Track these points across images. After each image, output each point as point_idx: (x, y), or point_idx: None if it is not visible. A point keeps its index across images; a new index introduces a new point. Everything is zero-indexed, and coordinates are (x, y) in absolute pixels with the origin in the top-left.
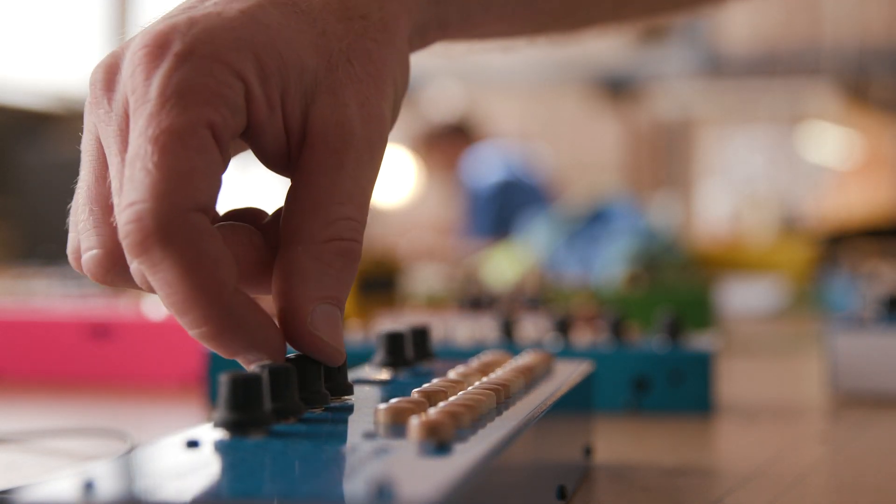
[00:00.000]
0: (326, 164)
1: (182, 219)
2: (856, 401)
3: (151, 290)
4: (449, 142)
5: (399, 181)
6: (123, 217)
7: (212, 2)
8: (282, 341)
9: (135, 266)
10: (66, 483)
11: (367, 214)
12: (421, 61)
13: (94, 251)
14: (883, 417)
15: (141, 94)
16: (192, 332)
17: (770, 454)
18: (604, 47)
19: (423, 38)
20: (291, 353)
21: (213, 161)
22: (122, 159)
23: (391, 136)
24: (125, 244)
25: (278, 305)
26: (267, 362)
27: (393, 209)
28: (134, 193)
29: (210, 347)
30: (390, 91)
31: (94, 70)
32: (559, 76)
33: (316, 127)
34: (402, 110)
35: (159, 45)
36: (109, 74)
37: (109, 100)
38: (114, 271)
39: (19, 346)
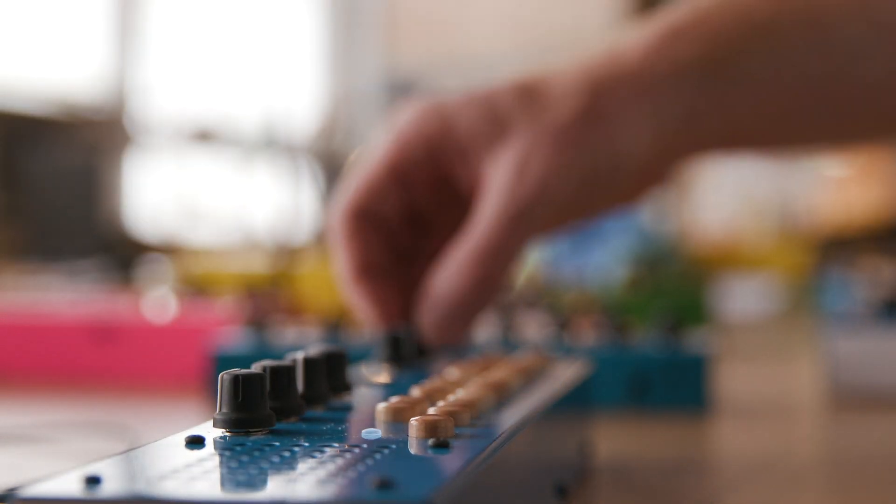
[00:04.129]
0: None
1: (349, 216)
2: (853, 401)
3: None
4: None
5: None
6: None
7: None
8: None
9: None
10: (69, 479)
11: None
12: (421, 61)
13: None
14: (881, 417)
15: None
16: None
17: (768, 453)
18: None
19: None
20: (297, 353)
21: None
22: None
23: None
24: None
25: None
26: (270, 362)
27: None
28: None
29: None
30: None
31: None
32: None
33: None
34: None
35: (411, 103)
36: None
37: None
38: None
39: (22, 346)
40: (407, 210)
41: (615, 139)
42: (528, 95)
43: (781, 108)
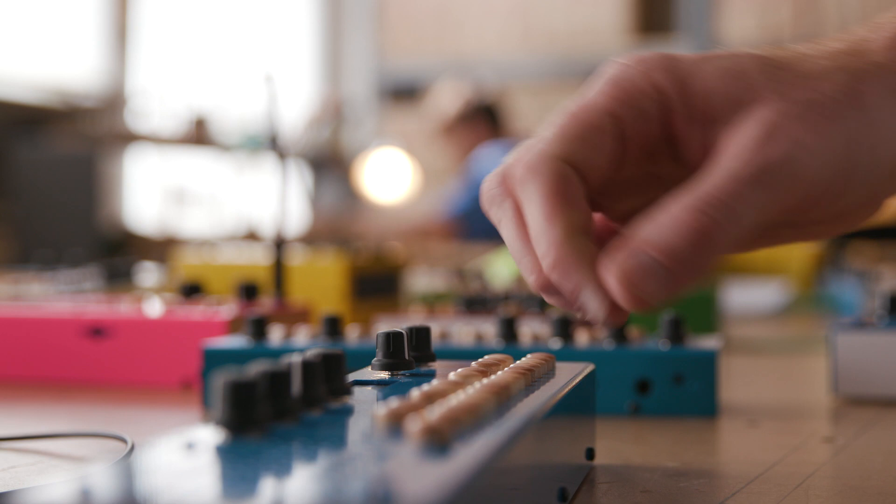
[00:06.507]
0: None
1: (550, 162)
2: (859, 402)
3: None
4: (471, 127)
5: (395, 181)
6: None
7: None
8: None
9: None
10: (63, 487)
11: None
12: (422, 61)
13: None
14: (887, 419)
15: None
16: None
17: (773, 456)
18: (607, 46)
19: None
20: (294, 356)
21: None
22: None
23: (391, 138)
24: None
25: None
26: (267, 364)
27: (390, 208)
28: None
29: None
30: None
31: None
32: (562, 75)
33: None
34: (406, 109)
35: (632, 55)
36: None
37: None
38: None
39: (16, 345)
40: (611, 173)
41: (874, 131)
42: (775, 67)
43: None
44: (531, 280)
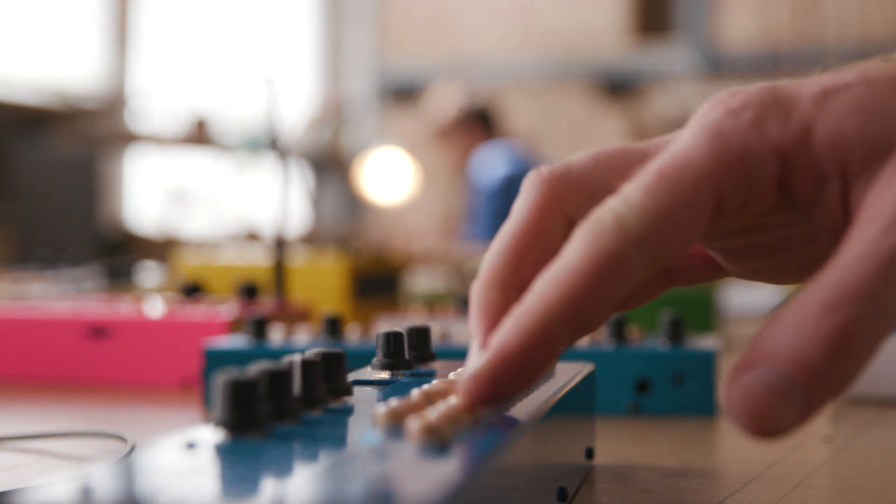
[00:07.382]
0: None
1: (614, 232)
2: (859, 402)
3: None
4: (467, 131)
5: (397, 181)
6: None
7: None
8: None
9: None
10: (63, 487)
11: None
12: (422, 62)
13: None
14: (887, 419)
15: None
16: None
17: (773, 456)
18: (606, 46)
19: None
20: (295, 355)
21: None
22: None
23: (391, 139)
24: None
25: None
26: (267, 364)
27: (390, 208)
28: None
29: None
30: None
31: None
32: (562, 76)
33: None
34: (406, 110)
35: (735, 94)
36: None
37: None
38: None
39: (16, 345)
40: (696, 240)
41: None
42: None
43: None
44: (478, 284)
